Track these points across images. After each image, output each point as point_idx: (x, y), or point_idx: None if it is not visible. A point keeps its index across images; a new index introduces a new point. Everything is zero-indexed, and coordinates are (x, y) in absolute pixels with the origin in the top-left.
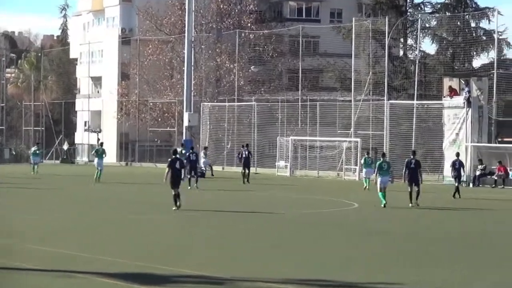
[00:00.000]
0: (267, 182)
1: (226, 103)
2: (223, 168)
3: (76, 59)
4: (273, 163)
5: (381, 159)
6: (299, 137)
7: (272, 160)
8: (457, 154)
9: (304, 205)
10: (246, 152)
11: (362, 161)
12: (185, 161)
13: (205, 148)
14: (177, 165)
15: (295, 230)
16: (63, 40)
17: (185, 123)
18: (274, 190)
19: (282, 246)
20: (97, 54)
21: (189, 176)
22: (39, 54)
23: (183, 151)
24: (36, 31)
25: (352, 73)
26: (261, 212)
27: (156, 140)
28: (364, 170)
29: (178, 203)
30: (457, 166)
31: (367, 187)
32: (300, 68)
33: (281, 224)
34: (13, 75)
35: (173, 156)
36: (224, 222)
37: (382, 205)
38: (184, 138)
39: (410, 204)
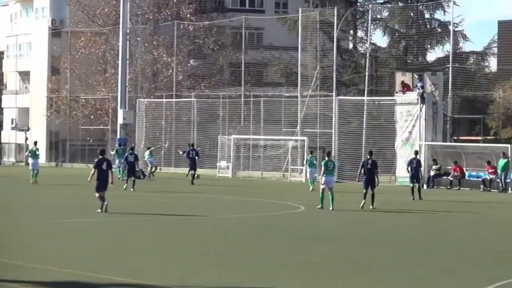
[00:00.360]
0: (208, 183)
1: (164, 100)
2: (160, 169)
3: (2, 53)
4: (214, 164)
5: (326, 158)
6: (242, 136)
7: (213, 160)
8: (416, 152)
9: (246, 208)
10: (193, 152)
11: (305, 161)
12: (124, 161)
13: (149, 148)
14: (104, 166)
15: (236, 234)
16: None
17: (120, 120)
18: (215, 193)
19: (221, 252)
20: (25, 47)
21: (127, 178)
22: None
23: (125, 151)
24: None
25: (299, 67)
26: (201, 215)
27: (88, 139)
28: (308, 170)
29: (103, 207)
30: (415, 165)
31: (312, 189)
32: (243, 62)
33: (221, 228)
34: None
35: (100, 157)
36: (159, 226)
37: (320, 207)
38: (118, 136)
39: (362, 203)
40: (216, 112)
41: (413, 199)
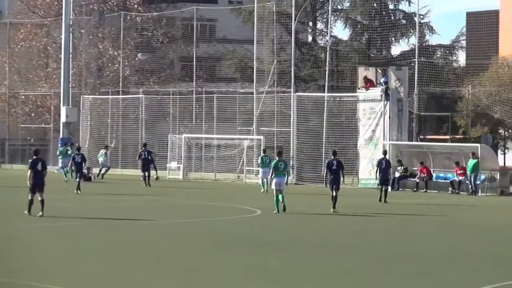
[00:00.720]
0: (157, 185)
1: (110, 96)
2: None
3: None
4: (164, 165)
5: (277, 158)
6: (194, 135)
7: (162, 161)
8: (384, 152)
9: (199, 212)
10: (146, 153)
11: (259, 160)
12: (70, 161)
13: (107, 146)
14: (39, 167)
15: (189, 240)
16: None
17: (63, 119)
18: (166, 195)
19: (174, 259)
20: None
21: (78, 180)
22: None
23: (69, 151)
24: None
25: (254, 62)
26: (151, 220)
27: (29, 138)
28: (260, 170)
29: (31, 210)
30: (384, 166)
31: (265, 190)
32: (194, 56)
33: (173, 233)
34: None
35: (34, 157)
36: (104, 232)
37: (276, 212)
38: (61, 136)
39: (332, 209)
40: (166, 110)
41: (380, 200)
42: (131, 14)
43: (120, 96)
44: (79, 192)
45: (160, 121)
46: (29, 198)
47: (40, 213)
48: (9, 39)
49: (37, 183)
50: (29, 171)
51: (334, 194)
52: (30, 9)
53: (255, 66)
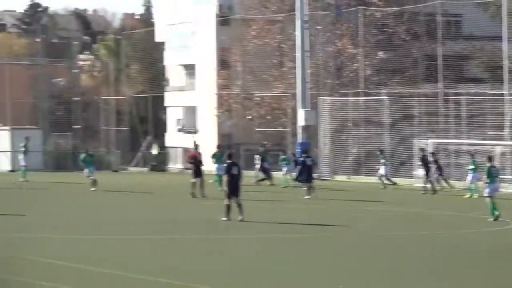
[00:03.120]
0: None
1: (350, 98)
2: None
3: (163, 43)
4: (409, 172)
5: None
6: (441, 140)
7: (408, 168)
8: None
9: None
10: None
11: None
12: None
13: (381, 151)
14: (234, 171)
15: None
16: (146, 20)
17: (300, 122)
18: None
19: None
20: (189, 37)
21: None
22: (118, 37)
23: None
24: (114, 9)
25: (505, 60)
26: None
27: (265, 143)
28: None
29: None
30: None
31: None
32: (439, 55)
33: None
34: (87, 62)
35: (228, 161)
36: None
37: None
38: (299, 140)
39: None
40: (410, 113)
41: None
42: (370, 9)
43: (361, 98)
44: (309, 196)
45: (404, 125)
46: (225, 203)
47: (240, 217)
48: (241, 37)
49: (234, 188)
50: (225, 176)
51: None
52: (262, 4)
53: (506, 65)
